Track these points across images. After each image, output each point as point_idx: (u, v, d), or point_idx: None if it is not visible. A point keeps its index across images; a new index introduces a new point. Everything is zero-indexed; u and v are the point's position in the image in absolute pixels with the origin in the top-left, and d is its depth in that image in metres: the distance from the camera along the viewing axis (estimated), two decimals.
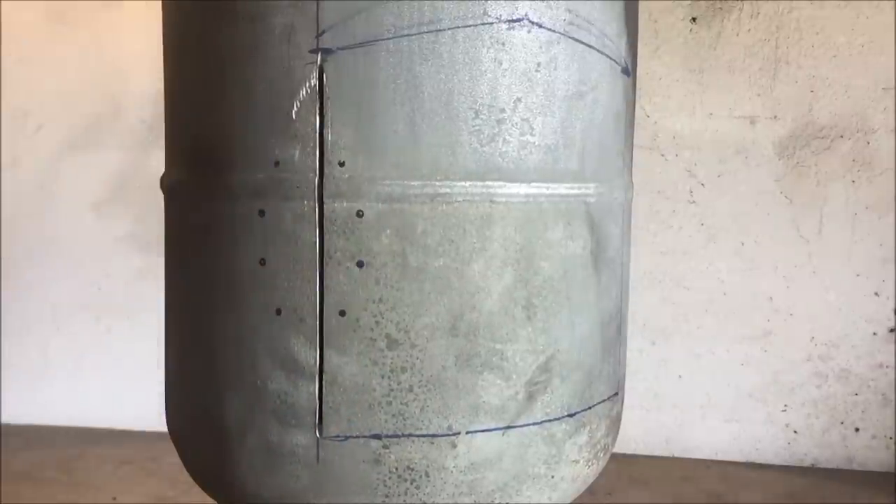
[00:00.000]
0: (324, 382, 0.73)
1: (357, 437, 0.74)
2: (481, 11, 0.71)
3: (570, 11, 0.75)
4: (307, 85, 0.71)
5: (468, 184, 0.72)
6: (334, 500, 0.76)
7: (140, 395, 2.44)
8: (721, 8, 2.37)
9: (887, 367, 2.37)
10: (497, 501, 0.78)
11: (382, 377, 0.73)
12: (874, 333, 2.37)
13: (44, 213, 2.84)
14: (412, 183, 0.71)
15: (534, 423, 0.78)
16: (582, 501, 0.89)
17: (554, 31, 0.75)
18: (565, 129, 0.77)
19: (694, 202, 2.44)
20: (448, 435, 0.75)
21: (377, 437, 0.74)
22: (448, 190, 0.72)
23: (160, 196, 0.90)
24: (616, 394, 0.90)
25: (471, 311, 0.74)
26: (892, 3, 2.26)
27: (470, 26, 0.71)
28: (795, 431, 2.45)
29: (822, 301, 2.38)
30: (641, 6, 0.94)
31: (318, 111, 0.71)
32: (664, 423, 2.52)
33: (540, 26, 0.74)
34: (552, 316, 0.78)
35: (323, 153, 0.71)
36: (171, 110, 0.88)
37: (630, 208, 0.92)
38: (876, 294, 2.36)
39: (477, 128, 0.72)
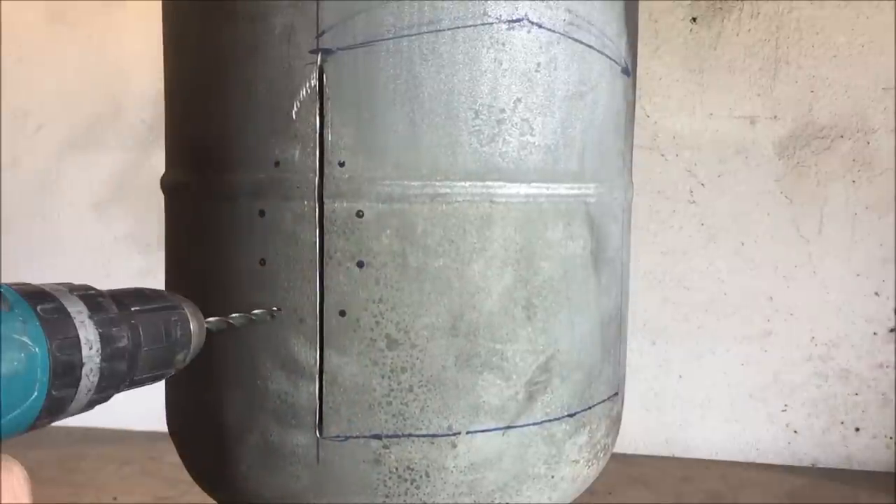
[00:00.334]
0: (324, 382, 0.73)
1: (357, 437, 0.74)
2: (481, 12, 0.71)
3: (569, 12, 0.75)
4: (307, 85, 0.71)
5: (468, 184, 0.72)
6: (334, 500, 0.76)
7: (140, 395, 2.45)
8: (721, 8, 2.37)
9: (887, 367, 2.37)
10: (497, 501, 0.78)
11: (382, 377, 0.73)
12: (874, 333, 2.37)
13: (44, 213, 2.84)
14: (412, 183, 0.71)
15: (534, 424, 0.78)
16: (582, 501, 0.89)
17: (554, 31, 0.75)
18: (565, 130, 0.77)
19: (694, 202, 2.44)
20: (448, 435, 0.75)
21: (377, 437, 0.74)
22: (448, 190, 0.72)
23: (160, 196, 0.90)
24: (616, 394, 0.90)
25: (471, 312, 0.74)
26: (892, 3, 2.26)
27: (470, 26, 0.71)
28: (795, 431, 2.45)
29: (822, 301, 2.39)
30: (641, 6, 0.94)
31: (318, 111, 0.71)
32: (664, 423, 2.52)
33: (540, 26, 0.74)
34: (552, 316, 0.78)
35: (323, 153, 0.71)
36: (171, 110, 0.88)
37: (630, 208, 0.92)
38: (876, 294, 2.36)
39: (477, 128, 0.72)
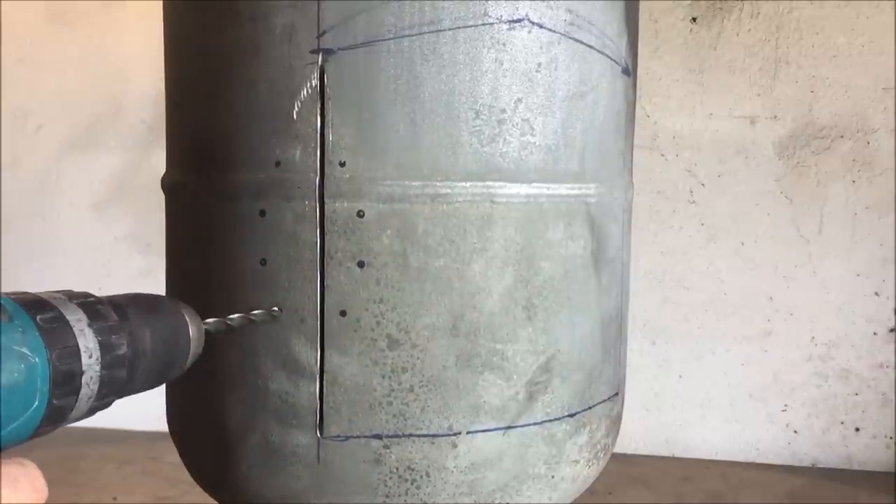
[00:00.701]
0: (324, 382, 0.73)
1: (358, 437, 0.74)
2: (482, 12, 0.71)
3: (570, 12, 0.75)
4: (308, 85, 0.71)
5: (469, 184, 0.72)
6: (335, 500, 0.76)
7: (140, 395, 2.45)
8: (721, 8, 2.37)
9: (887, 367, 2.37)
10: (497, 501, 0.78)
11: (383, 377, 0.73)
12: (874, 333, 2.37)
13: (44, 213, 2.84)
14: (413, 183, 0.71)
15: (534, 424, 0.78)
16: (582, 501, 0.89)
17: (554, 31, 0.75)
18: (566, 130, 0.77)
19: (694, 202, 2.44)
20: (449, 435, 0.75)
21: (378, 437, 0.74)
22: (449, 190, 0.72)
23: (160, 196, 0.90)
24: (616, 394, 0.90)
25: (471, 312, 0.74)
26: (893, 3, 2.26)
27: (471, 27, 0.71)
28: (795, 431, 2.45)
29: (822, 301, 2.39)
30: (641, 6, 0.94)
31: (319, 111, 0.71)
32: (664, 423, 2.52)
33: (540, 27, 0.74)
34: (552, 316, 0.78)
35: (324, 153, 0.71)
36: (172, 110, 0.88)
37: (630, 208, 0.92)
38: (876, 294, 2.37)
39: (477, 128, 0.72)
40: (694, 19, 2.39)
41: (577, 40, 0.76)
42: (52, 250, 2.83)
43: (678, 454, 2.51)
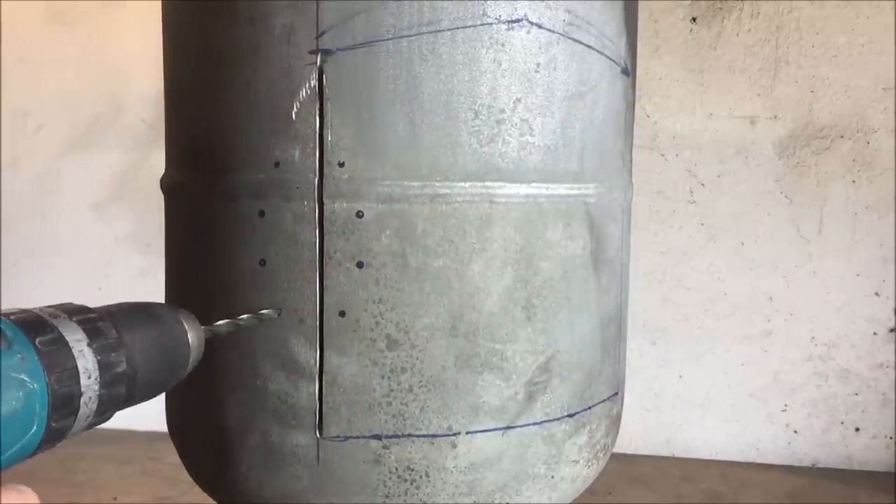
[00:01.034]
0: (324, 383, 0.73)
1: (357, 437, 0.74)
2: (481, 12, 0.71)
3: (569, 12, 0.75)
4: (307, 85, 0.71)
5: (468, 184, 0.72)
6: (334, 501, 0.76)
7: None
8: (721, 8, 2.37)
9: (887, 367, 2.37)
10: (497, 501, 0.78)
11: (382, 377, 0.73)
12: (874, 333, 2.37)
13: (44, 213, 2.84)
14: (412, 183, 0.71)
15: (534, 424, 0.78)
16: (582, 501, 0.89)
17: (553, 31, 0.75)
18: (565, 130, 0.77)
19: (694, 202, 2.44)
20: (448, 435, 0.75)
21: (377, 437, 0.74)
22: (448, 190, 0.72)
23: (160, 196, 0.89)
24: (616, 394, 0.90)
25: (471, 312, 0.74)
26: (893, 3, 2.26)
27: (469, 27, 0.71)
28: (795, 431, 2.45)
29: (822, 301, 2.39)
30: (641, 6, 0.94)
31: (318, 112, 0.71)
32: (664, 423, 2.52)
33: (539, 27, 0.74)
34: (552, 316, 0.78)
35: (323, 154, 0.71)
36: (171, 111, 0.88)
37: (630, 208, 0.92)
38: (876, 294, 2.36)
39: (476, 128, 0.72)
40: (694, 19, 2.39)
41: (576, 40, 0.76)
42: (52, 250, 2.83)
43: (678, 454, 2.51)
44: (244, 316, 0.70)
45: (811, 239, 2.38)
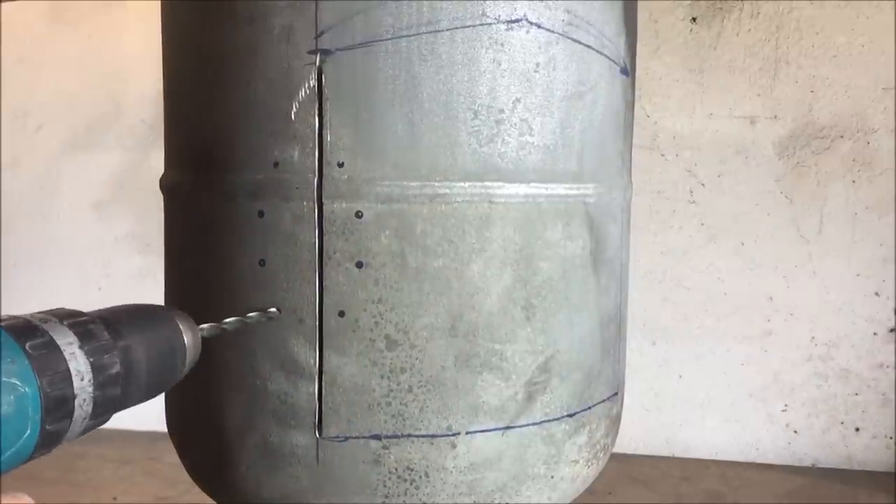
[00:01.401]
0: (323, 383, 0.73)
1: (357, 437, 0.74)
2: (480, 12, 0.71)
3: (568, 12, 0.75)
4: (306, 86, 0.71)
5: (467, 184, 0.72)
6: (334, 501, 0.76)
7: None
8: (721, 8, 2.37)
9: (887, 367, 2.37)
10: (497, 501, 0.78)
11: (382, 378, 0.73)
12: (874, 333, 2.37)
13: (44, 213, 2.84)
14: (411, 184, 0.71)
15: (533, 424, 0.78)
16: (582, 501, 0.89)
17: (553, 31, 0.75)
18: (564, 130, 0.77)
19: (694, 202, 2.44)
20: (448, 435, 0.75)
21: (377, 437, 0.74)
22: (447, 190, 0.72)
23: (160, 196, 0.90)
24: (616, 394, 0.90)
25: (470, 312, 0.74)
26: (893, 3, 2.26)
27: (468, 27, 0.71)
28: (795, 431, 2.45)
29: (822, 301, 2.39)
30: (641, 6, 0.94)
31: (317, 112, 0.71)
32: (664, 423, 2.52)
33: (539, 27, 0.74)
34: (551, 316, 0.78)
35: (322, 154, 0.71)
36: (170, 111, 0.88)
37: (629, 208, 0.92)
38: (876, 294, 2.36)
39: (476, 128, 0.72)
40: (694, 19, 2.39)
41: (575, 40, 0.76)
42: (52, 250, 2.83)
43: (678, 454, 2.51)
44: (252, 314, 0.70)
45: (811, 239, 2.38)
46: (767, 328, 2.42)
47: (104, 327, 0.47)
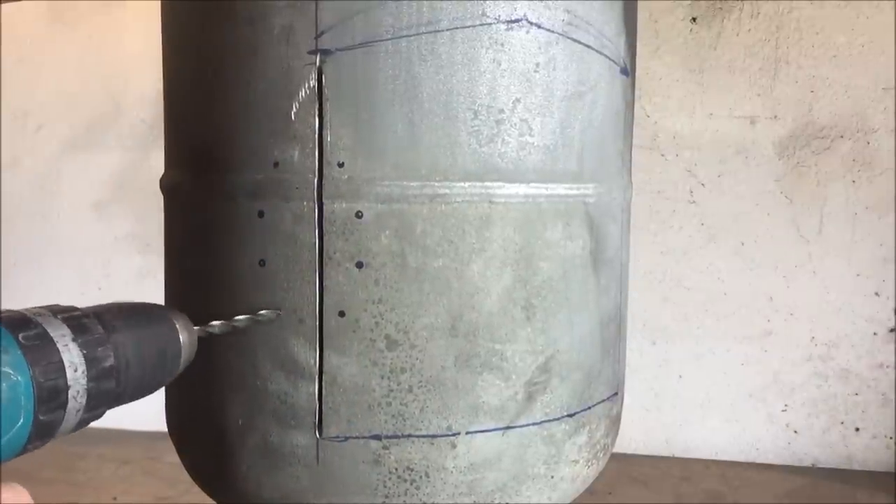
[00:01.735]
0: (323, 383, 0.73)
1: (357, 437, 0.74)
2: (480, 12, 0.71)
3: (568, 12, 0.75)
4: (306, 86, 0.71)
5: (467, 184, 0.72)
6: (334, 501, 0.76)
7: None
8: (721, 8, 2.37)
9: (887, 367, 2.37)
10: (497, 501, 0.78)
11: (382, 378, 0.73)
12: (874, 333, 2.37)
13: (44, 213, 2.84)
14: (411, 184, 0.71)
15: (533, 424, 0.78)
16: (582, 501, 0.89)
17: (552, 31, 0.75)
18: (564, 130, 0.77)
19: (694, 202, 2.44)
20: (448, 435, 0.75)
21: (377, 437, 0.74)
22: (447, 190, 0.72)
23: (160, 196, 0.90)
24: (616, 394, 0.90)
25: (470, 312, 0.74)
26: (893, 3, 2.26)
27: (468, 27, 0.71)
28: (795, 431, 2.45)
29: (822, 301, 2.39)
30: (641, 6, 0.94)
31: (317, 112, 0.71)
32: (664, 423, 2.52)
33: (539, 27, 0.74)
34: (551, 316, 0.78)
35: (322, 154, 0.71)
36: (170, 111, 0.88)
37: (629, 208, 0.92)
38: (876, 294, 2.37)
39: (476, 128, 0.72)
40: (694, 19, 2.39)
41: (575, 40, 0.76)
42: (52, 250, 2.83)
43: (678, 454, 2.51)
44: (240, 317, 0.70)
45: (811, 239, 2.38)
46: (767, 328, 2.42)
47: (98, 322, 0.48)
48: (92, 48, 2.75)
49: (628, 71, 0.86)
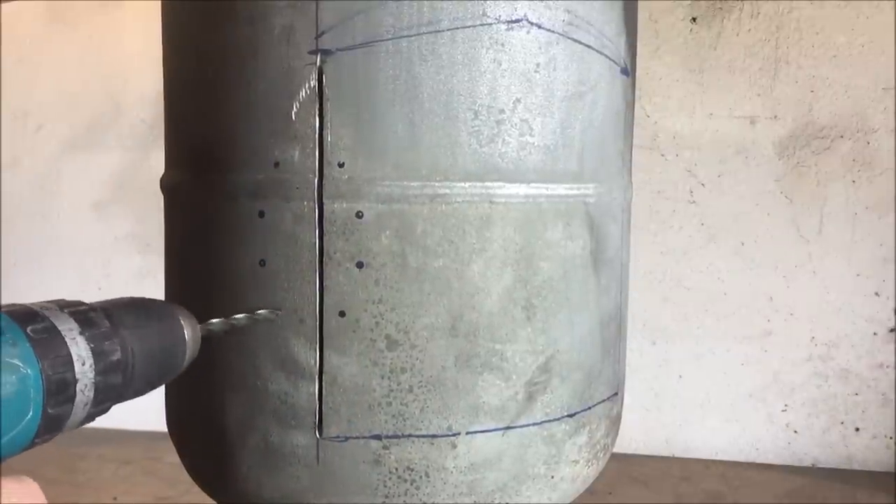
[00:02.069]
0: (324, 383, 0.73)
1: (357, 437, 0.74)
2: (480, 12, 0.71)
3: (568, 12, 0.75)
4: (306, 86, 0.71)
5: (467, 184, 0.72)
6: (334, 501, 0.76)
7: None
8: (721, 8, 2.37)
9: (887, 367, 2.37)
10: (497, 502, 0.78)
11: (382, 378, 0.73)
12: (874, 333, 2.37)
13: (44, 213, 2.84)
14: (411, 184, 0.71)
15: (533, 424, 0.78)
16: (582, 501, 0.89)
17: (553, 31, 0.75)
18: (564, 130, 0.77)
19: (694, 202, 2.44)
20: (448, 435, 0.75)
21: (377, 437, 0.74)
22: (447, 191, 0.72)
23: (160, 196, 0.90)
24: (616, 394, 0.90)
25: (470, 312, 0.74)
26: (893, 3, 2.26)
27: (469, 27, 0.71)
28: (795, 431, 2.45)
29: (822, 301, 2.39)
30: (641, 6, 0.94)
31: (317, 112, 0.71)
32: (664, 423, 2.52)
33: (539, 27, 0.74)
34: (552, 316, 0.78)
35: (322, 154, 0.71)
36: (171, 111, 0.88)
37: (630, 208, 0.92)
38: (876, 294, 2.37)
39: (476, 128, 0.72)
40: (694, 19, 2.39)
41: (575, 40, 0.76)
42: (52, 250, 2.83)
43: (678, 454, 2.51)
44: (239, 316, 0.70)
45: (811, 239, 2.38)
46: (767, 328, 2.42)
47: (104, 316, 0.48)
48: (92, 48, 2.75)
49: (629, 71, 0.86)
